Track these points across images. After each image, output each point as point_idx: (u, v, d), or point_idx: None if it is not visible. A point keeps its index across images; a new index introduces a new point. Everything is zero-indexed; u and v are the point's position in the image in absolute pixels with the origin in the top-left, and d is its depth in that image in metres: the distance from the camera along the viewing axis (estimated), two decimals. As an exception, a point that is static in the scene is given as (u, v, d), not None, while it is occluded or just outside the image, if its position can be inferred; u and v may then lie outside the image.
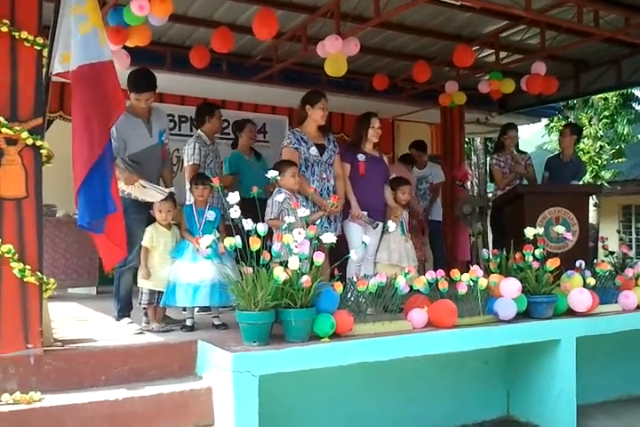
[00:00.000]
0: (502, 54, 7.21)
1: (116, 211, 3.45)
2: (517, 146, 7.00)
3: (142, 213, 4.24)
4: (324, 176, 4.81)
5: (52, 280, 3.33)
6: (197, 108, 5.63)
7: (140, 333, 3.90)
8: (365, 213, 4.88)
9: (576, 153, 7.62)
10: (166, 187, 4.33)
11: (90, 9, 3.31)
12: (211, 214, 4.05)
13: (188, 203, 4.50)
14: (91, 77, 3.36)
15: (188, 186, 5.13)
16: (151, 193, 4.15)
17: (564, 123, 16.68)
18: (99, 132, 3.34)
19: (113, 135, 4.02)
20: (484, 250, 4.61)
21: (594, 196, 15.76)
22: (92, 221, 3.37)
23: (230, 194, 3.41)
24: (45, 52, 3.39)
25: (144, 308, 4.06)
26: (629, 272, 4.89)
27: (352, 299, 3.91)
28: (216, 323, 4.07)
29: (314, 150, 4.79)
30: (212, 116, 5.33)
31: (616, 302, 4.75)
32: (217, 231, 4.02)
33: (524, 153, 6.98)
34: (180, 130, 7.66)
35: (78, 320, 4.59)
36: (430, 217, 7.16)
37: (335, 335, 3.57)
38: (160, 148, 4.47)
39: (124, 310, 4.23)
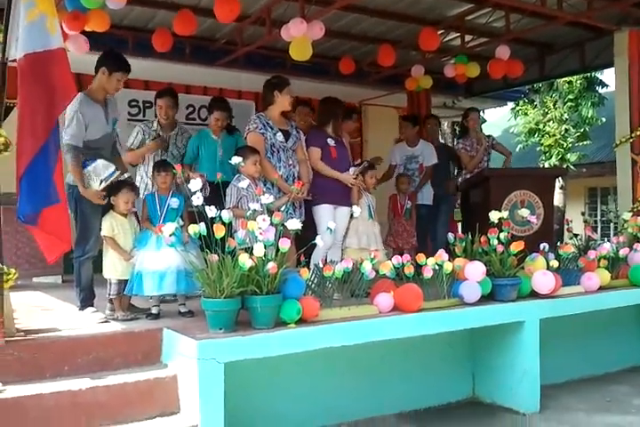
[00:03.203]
0: (468, 38, 7.22)
1: (58, 202, 3.38)
2: (481, 129, 7.01)
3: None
4: (290, 162, 4.79)
5: (12, 270, 3.27)
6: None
7: (105, 321, 3.86)
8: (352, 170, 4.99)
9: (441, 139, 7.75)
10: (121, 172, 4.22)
11: (40, -4, 3.21)
12: (174, 202, 4.00)
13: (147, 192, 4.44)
14: (37, 66, 3.27)
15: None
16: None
17: (529, 106, 16.89)
18: (43, 122, 3.27)
19: (77, 120, 3.97)
20: (450, 234, 4.64)
21: (560, 178, 16.01)
22: (31, 213, 3.30)
23: (192, 181, 3.37)
24: (0, 37, 3.29)
25: (111, 298, 4.02)
26: (592, 254, 4.97)
27: (319, 284, 3.90)
28: (182, 310, 4.05)
29: (280, 136, 4.76)
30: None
31: (579, 284, 4.84)
32: (180, 219, 3.98)
33: (488, 136, 6.99)
34: (144, 115, 7.49)
35: (42, 310, 4.51)
36: (419, 201, 6.55)
37: (302, 321, 3.57)
38: (114, 136, 4.40)
39: (87, 300, 4.18)
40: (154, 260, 3.92)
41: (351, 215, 4.56)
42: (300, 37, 5.54)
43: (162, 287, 3.92)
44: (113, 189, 4.03)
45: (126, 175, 4.21)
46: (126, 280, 3.97)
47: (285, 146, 4.78)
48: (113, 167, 4.03)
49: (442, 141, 7.58)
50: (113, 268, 3.99)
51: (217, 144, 5.27)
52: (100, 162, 4.00)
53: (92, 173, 3.98)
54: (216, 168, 4.95)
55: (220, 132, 5.33)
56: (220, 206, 3.50)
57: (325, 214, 4.85)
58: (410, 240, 5.88)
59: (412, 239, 5.91)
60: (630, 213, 5.79)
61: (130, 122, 7.09)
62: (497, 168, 6.79)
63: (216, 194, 4.03)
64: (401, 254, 4.30)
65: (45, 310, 4.49)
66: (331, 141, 5.03)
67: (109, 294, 4.00)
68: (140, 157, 5.10)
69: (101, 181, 3.97)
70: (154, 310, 4.01)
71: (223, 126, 5.34)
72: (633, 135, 6.44)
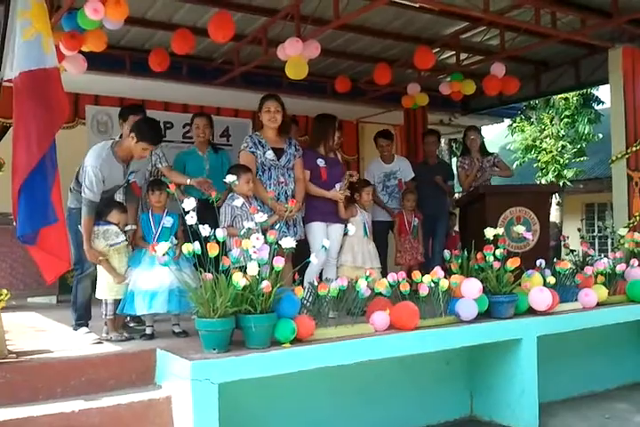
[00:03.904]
0: (463, 56, 7.28)
1: (56, 221, 3.37)
2: (484, 147, 6.93)
3: None
4: (282, 180, 4.77)
5: (4, 291, 3.26)
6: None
7: (99, 342, 3.83)
8: (337, 186, 4.96)
9: (438, 155, 7.51)
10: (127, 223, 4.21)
11: (35, 14, 3.25)
12: (168, 221, 3.99)
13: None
14: (32, 84, 3.30)
15: None
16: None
17: (526, 123, 16.96)
18: (38, 140, 3.29)
19: (97, 177, 3.95)
20: (446, 251, 4.63)
21: (557, 194, 16.05)
22: (30, 232, 3.30)
23: (186, 200, 3.37)
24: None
25: (108, 318, 3.99)
26: (589, 270, 4.96)
27: (314, 303, 3.88)
28: (176, 331, 4.02)
29: (270, 154, 4.75)
30: (125, 121, 4.87)
31: (576, 300, 4.82)
32: (174, 238, 3.97)
33: (491, 154, 6.91)
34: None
35: (36, 331, 4.49)
36: (377, 217, 6.34)
37: (297, 340, 3.55)
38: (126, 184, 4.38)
39: (82, 319, 4.16)
40: (146, 279, 3.91)
41: (345, 233, 4.53)
42: (296, 56, 5.57)
43: (152, 306, 3.90)
44: (103, 211, 4.03)
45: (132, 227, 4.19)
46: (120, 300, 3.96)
47: (277, 164, 4.77)
48: (123, 237, 4.01)
49: (439, 159, 7.44)
50: (108, 288, 3.98)
51: (203, 160, 5.34)
52: (114, 228, 4.00)
53: (102, 235, 3.98)
54: None
55: (205, 147, 5.41)
56: (210, 224, 3.48)
57: (318, 232, 4.85)
58: (417, 257, 5.87)
59: (420, 256, 5.90)
60: (626, 229, 5.79)
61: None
62: (493, 185, 6.78)
63: (205, 211, 4.00)
64: (409, 271, 4.29)
65: (39, 331, 4.47)
66: (321, 162, 5.02)
67: (105, 315, 3.97)
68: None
69: (107, 246, 3.98)
70: (148, 331, 3.98)
71: (207, 138, 5.43)
72: (629, 151, 6.45)
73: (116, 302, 3.96)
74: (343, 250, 5.00)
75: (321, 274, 4.80)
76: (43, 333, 4.41)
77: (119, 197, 4.51)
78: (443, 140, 12.01)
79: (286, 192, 4.77)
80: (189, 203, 3.36)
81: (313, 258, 3.68)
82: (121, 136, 4.74)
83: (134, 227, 4.16)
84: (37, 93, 3.31)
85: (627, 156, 6.46)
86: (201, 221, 3.43)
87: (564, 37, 6.42)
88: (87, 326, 4.13)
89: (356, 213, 5.13)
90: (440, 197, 6.74)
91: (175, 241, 3.91)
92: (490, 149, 7.12)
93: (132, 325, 4.43)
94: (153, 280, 3.87)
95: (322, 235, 4.78)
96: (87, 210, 3.98)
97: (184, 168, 5.29)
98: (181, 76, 7.01)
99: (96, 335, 3.91)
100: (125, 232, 4.07)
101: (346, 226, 4.43)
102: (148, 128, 4.14)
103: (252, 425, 3.68)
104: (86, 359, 3.46)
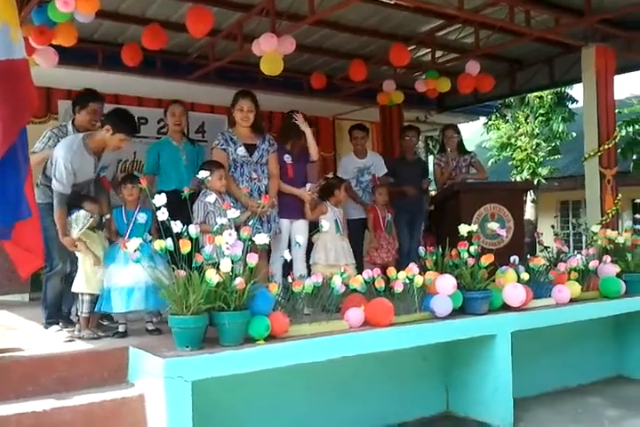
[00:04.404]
0: (438, 53, 7.31)
1: (30, 216, 3.31)
2: (462, 145, 6.92)
3: None
4: (255, 176, 4.76)
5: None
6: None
7: (70, 340, 3.77)
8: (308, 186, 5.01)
9: (415, 152, 7.30)
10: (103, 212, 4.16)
11: (1, 5, 3.17)
12: (142, 217, 3.94)
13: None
14: (0, 75, 3.22)
15: None
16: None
17: (501, 121, 17.11)
18: (4, 133, 3.20)
19: (67, 169, 3.90)
20: (420, 248, 4.64)
21: (532, 192, 16.21)
22: (2, 227, 3.23)
23: (157, 195, 3.33)
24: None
25: (83, 316, 3.93)
26: (562, 267, 4.99)
27: (288, 300, 3.86)
28: (149, 328, 3.97)
29: (241, 151, 4.73)
30: (83, 108, 4.64)
31: (550, 297, 4.86)
32: (149, 234, 3.93)
33: (470, 153, 6.88)
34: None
35: (6, 329, 4.40)
36: (353, 216, 6.11)
37: (271, 337, 3.52)
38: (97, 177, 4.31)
39: (53, 317, 4.09)
40: (122, 275, 3.85)
41: (318, 230, 4.53)
42: (271, 52, 5.56)
43: (130, 304, 3.85)
44: (74, 204, 3.97)
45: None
46: (97, 298, 3.90)
47: (250, 160, 4.76)
48: (89, 217, 3.94)
49: (416, 155, 7.33)
50: (86, 282, 3.90)
51: (179, 151, 5.17)
52: (82, 213, 3.93)
53: (74, 221, 3.92)
54: (181, 176, 4.91)
55: (180, 138, 5.24)
56: (184, 218, 3.44)
57: (283, 229, 4.89)
58: (394, 254, 5.64)
59: (396, 253, 5.69)
60: (599, 226, 5.85)
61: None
62: (467, 182, 6.81)
63: (180, 205, 3.85)
64: (385, 268, 4.25)
65: (9, 329, 4.38)
66: (288, 158, 5.03)
67: (82, 313, 3.90)
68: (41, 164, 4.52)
69: (80, 230, 3.92)
70: (121, 328, 3.93)
71: (183, 128, 5.27)
72: (601, 149, 6.53)
73: (93, 300, 3.90)
74: (316, 248, 4.98)
75: (291, 268, 4.77)
76: (13, 331, 4.32)
77: (90, 191, 4.42)
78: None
79: (259, 188, 4.76)
80: (160, 199, 3.32)
81: (286, 254, 3.67)
82: (73, 122, 4.63)
83: (108, 216, 4.10)
84: (4, 85, 3.23)
85: (599, 153, 6.54)
86: (174, 217, 3.38)
87: (538, 36, 6.48)
88: (58, 324, 4.06)
89: (326, 211, 5.10)
90: (419, 195, 6.65)
91: (150, 237, 3.86)
92: (466, 147, 7.12)
93: (105, 323, 4.37)
94: (128, 276, 3.81)
95: (286, 231, 4.85)
96: (58, 201, 3.92)
97: (157, 159, 5.12)
98: (155, 71, 6.94)
99: (67, 333, 3.85)
100: (102, 221, 4.02)
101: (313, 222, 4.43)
102: (123, 119, 4.09)
103: (228, 423, 3.65)
104: (57, 357, 3.40)
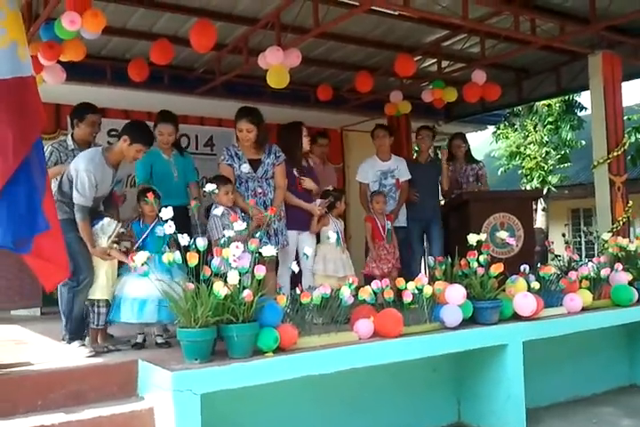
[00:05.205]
0: (445, 63, 7.31)
1: (47, 229, 3.32)
2: (470, 154, 6.91)
3: None
4: (260, 191, 4.81)
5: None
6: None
7: (93, 355, 3.74)
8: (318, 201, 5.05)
9: (430, 153, 7.00)
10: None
11: (10, 23, 3.22)
12: (161, 230, 3.94)
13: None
14: (9, 93, 3.26)
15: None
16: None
17: (510, 130, 17.08)
18: (15, 149, 3.23)
19: (90, 182, 3.93)
20: (429, 257, 4.63)
21: (542, 200, 16.14)
22: (15, 240, 3.24)
23: (163, 209, 3.34)
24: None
25: (93, 328, 3.93)
26: (573, 275, 4.96)
27: (296, 312, 3.85)
28: (159, 341, 3.98)
29: (245, 168, 4.80)
30: (81, 120, 4.66)
31: (561, 305, 4.82)
32: (167, 247, 3.92)
33: (478, 162, 6.87)
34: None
35: (17, 344, 4.43)
36: (396, 223, 5.98)
37: (280, 349, 3.52)
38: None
39: (77, 332, 4.04)
40: (135, 286, 3.86)
41: (319, 240, 4.56)
42: (277, 65, 5.58)
43: (142, 315, 3.86)
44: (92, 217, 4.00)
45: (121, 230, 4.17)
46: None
47: (254, 176, 4.81)
48: (114, 223, 4.03)
49: (430, 157, 6.96)
50: (105, 288, 3.96)
51: (170, 164, 5.16)
52: (106, 220, 4.01)
53: (100, 231, 3.99)
54: (172, 191, 4.84)
55: (170, 151, 5.21)
56: (184, 232, 3.46)
57: (290, 240, 4.93)
58: (395, 264, 5.54)
59: (397, 262, 5.57)
60: (610, 234, 5.81)
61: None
62: (476, 191, 6.79)
63: (178, 219, 3.76)
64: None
65: (20, 344, 4.40)
66: (295, 172, 5.10)
67: (97, 325, 3.93)
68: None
69: (108, 238, 3.98)
70: (139, 339, 3.95)
71: (170, 143, 5.22)
72: (610, 156, 6.50)
73: (107, 312, 3.92)
74: (315, 258, 4.98)
75: (300, 280, 4.76)
76: (24, 345, 4.34)
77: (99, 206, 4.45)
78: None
79: (265, 202, 4.80)
80: (167, 212, 3.33)
81: (294, 266, 3.68)
82: (72, 136, 4.67)
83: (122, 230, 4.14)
84: (13, 102, 3.27)
85: (608, 161, 6.50)
86: (181, 229, 3.40)
87: (544, 44, 6.46)
88: (82, 339, 4.03)
89: (328, 223, 5.12)
90: (434, 198, 6.48)
91: (168, 250, 3.86)
92: (474, 157, 7.11)
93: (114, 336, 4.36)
94: (142, 288, 3.80)
95: (293, 243, 4.89)
96: (81, 216, 3.96)
97: (150, 170, 5.07)
98: (163, 86, 6.98)
99: (89, 349, 3.82)
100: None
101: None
102: (140, 130, 4.17)
103: (237, 436, 3.64)
104: (67, 372, 3.41)
